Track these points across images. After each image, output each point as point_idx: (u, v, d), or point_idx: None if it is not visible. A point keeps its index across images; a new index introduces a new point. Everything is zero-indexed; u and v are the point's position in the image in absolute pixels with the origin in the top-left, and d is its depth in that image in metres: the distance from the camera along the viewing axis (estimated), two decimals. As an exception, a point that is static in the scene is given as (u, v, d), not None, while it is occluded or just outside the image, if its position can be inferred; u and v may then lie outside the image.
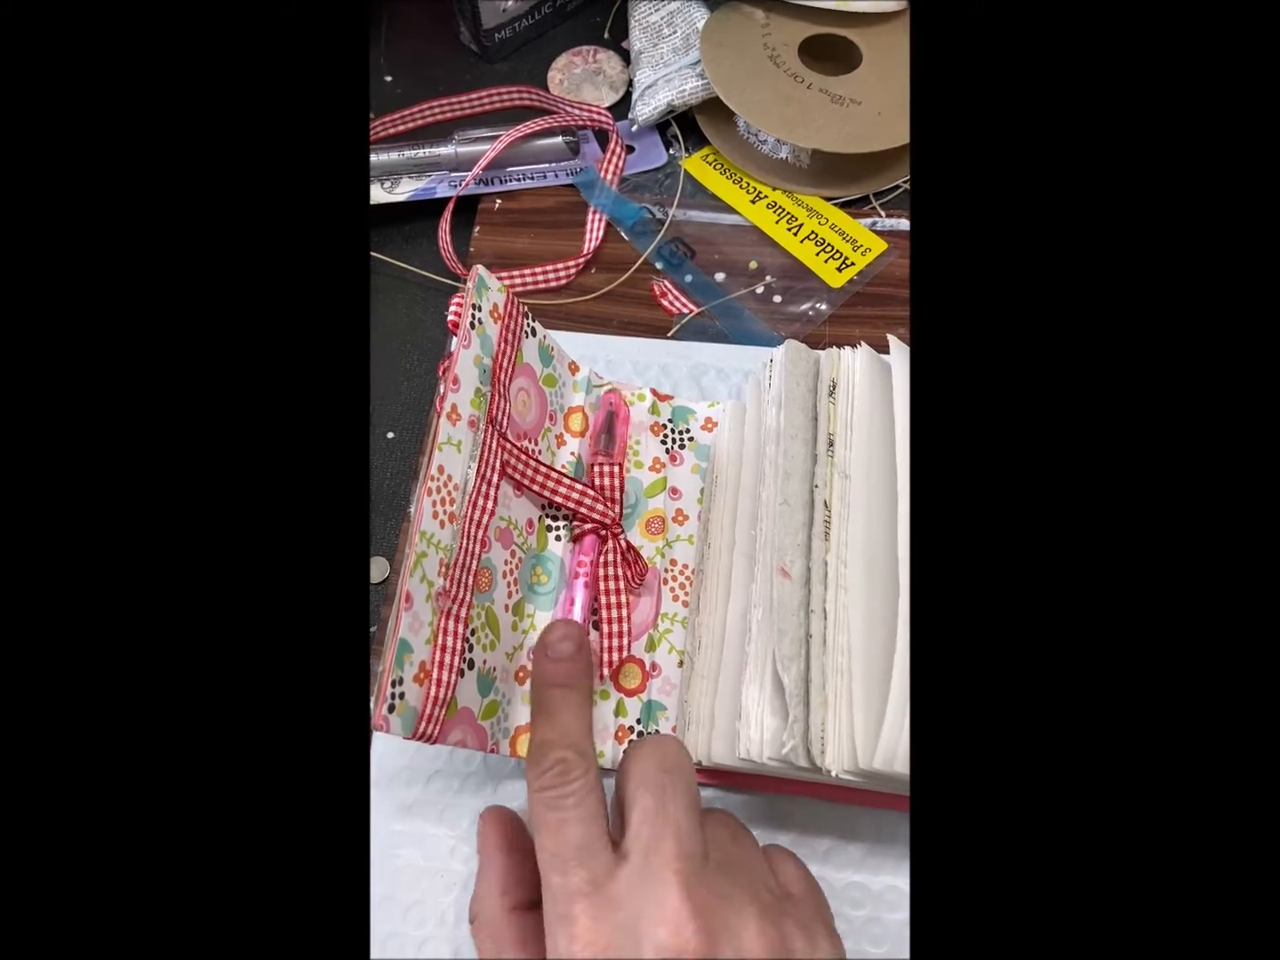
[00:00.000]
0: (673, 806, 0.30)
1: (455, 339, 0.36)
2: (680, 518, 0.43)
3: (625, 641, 0.39)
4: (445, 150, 0.53)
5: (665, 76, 0.55)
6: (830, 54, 0.54)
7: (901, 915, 0.37)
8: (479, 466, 0.36)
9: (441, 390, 0.35)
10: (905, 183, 0.54)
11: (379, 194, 0.53)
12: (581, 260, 0.51)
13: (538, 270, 0.51)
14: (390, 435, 0.47)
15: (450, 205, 0.52)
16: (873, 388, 0.39)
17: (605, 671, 0.39)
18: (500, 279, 0.45)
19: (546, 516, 0.41)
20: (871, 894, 0.37)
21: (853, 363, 0.40)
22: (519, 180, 0.54)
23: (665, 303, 0.50)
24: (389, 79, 0.60)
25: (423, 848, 0.38)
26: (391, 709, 0.30)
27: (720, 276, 0.51)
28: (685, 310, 0.50)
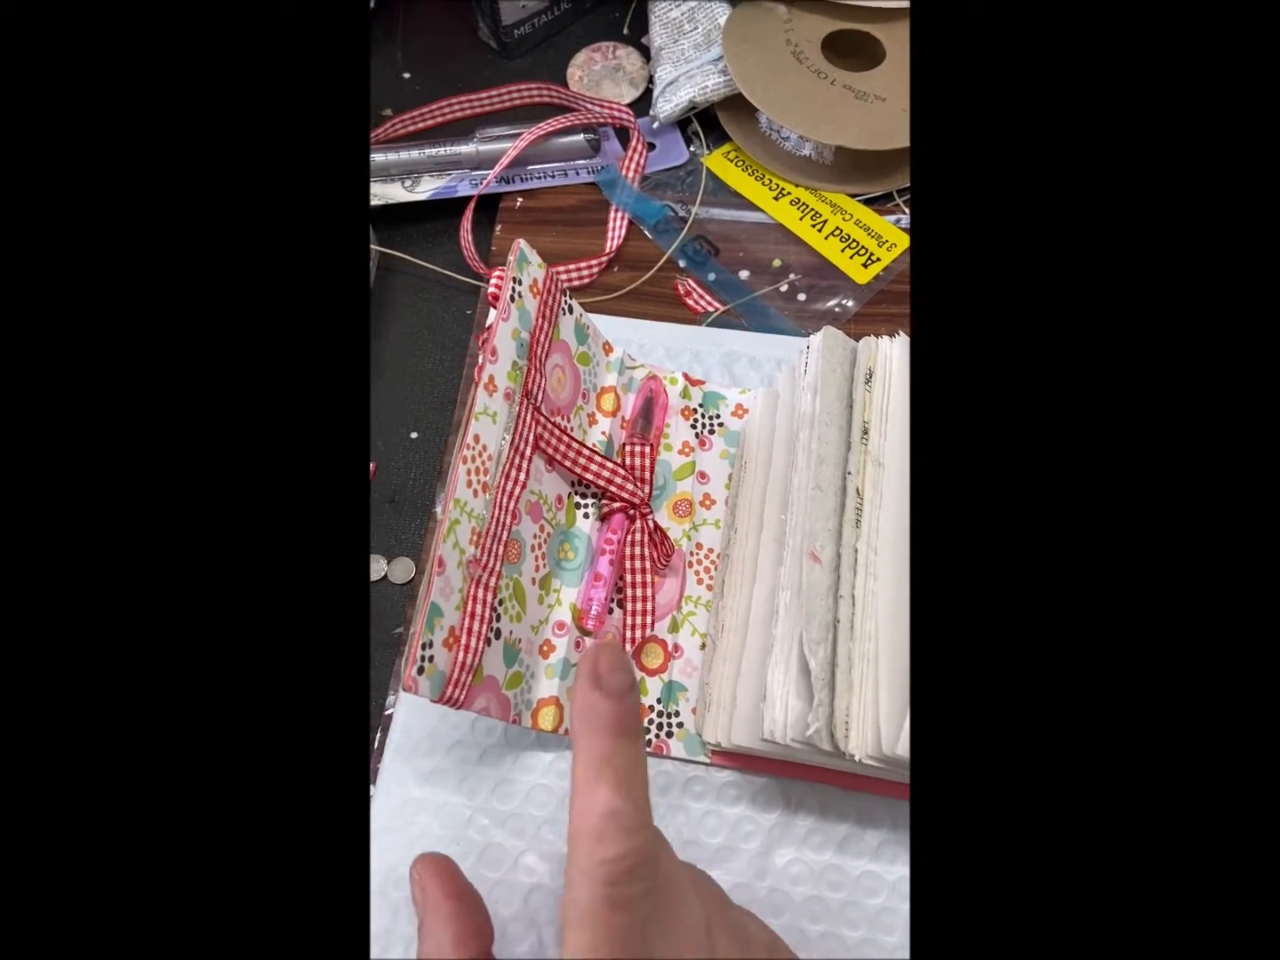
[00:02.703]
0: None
1: (494, 311, 0.38)
2: (707, 502, 0.45)
3: (649, 620, 0.40)
4: (466, 148, 0.55)
5: (687, 73, 0.57)
6: (853, 50, 0.56)
7: (916, 905, 0.38)
8: (513, 439, 0.37)
9: (480, 361, 0.36)
10: (930, 179, 0.56)
11: (399, 193, 0.54)
12: (604, 258, 0.53)
13: (560, 269, 0.52)
14: (414, 435, 0.49)
15: (471, 204, 0.54)
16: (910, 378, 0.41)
17: (628, 648, 0.40)
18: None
19: (576, 494, 0.42)
20: (886, 883, 0.38)
21: (890, 352, 0.41)
22: (540, 179, 0.56)
23: (690, 301, 0.52)
24: (407, 75, 0.61)
25: (440, 816, 0.39)
26: (421, 671, 0.32)
27: (744, 274, 0.53)
28: (710, 309, 0.52)
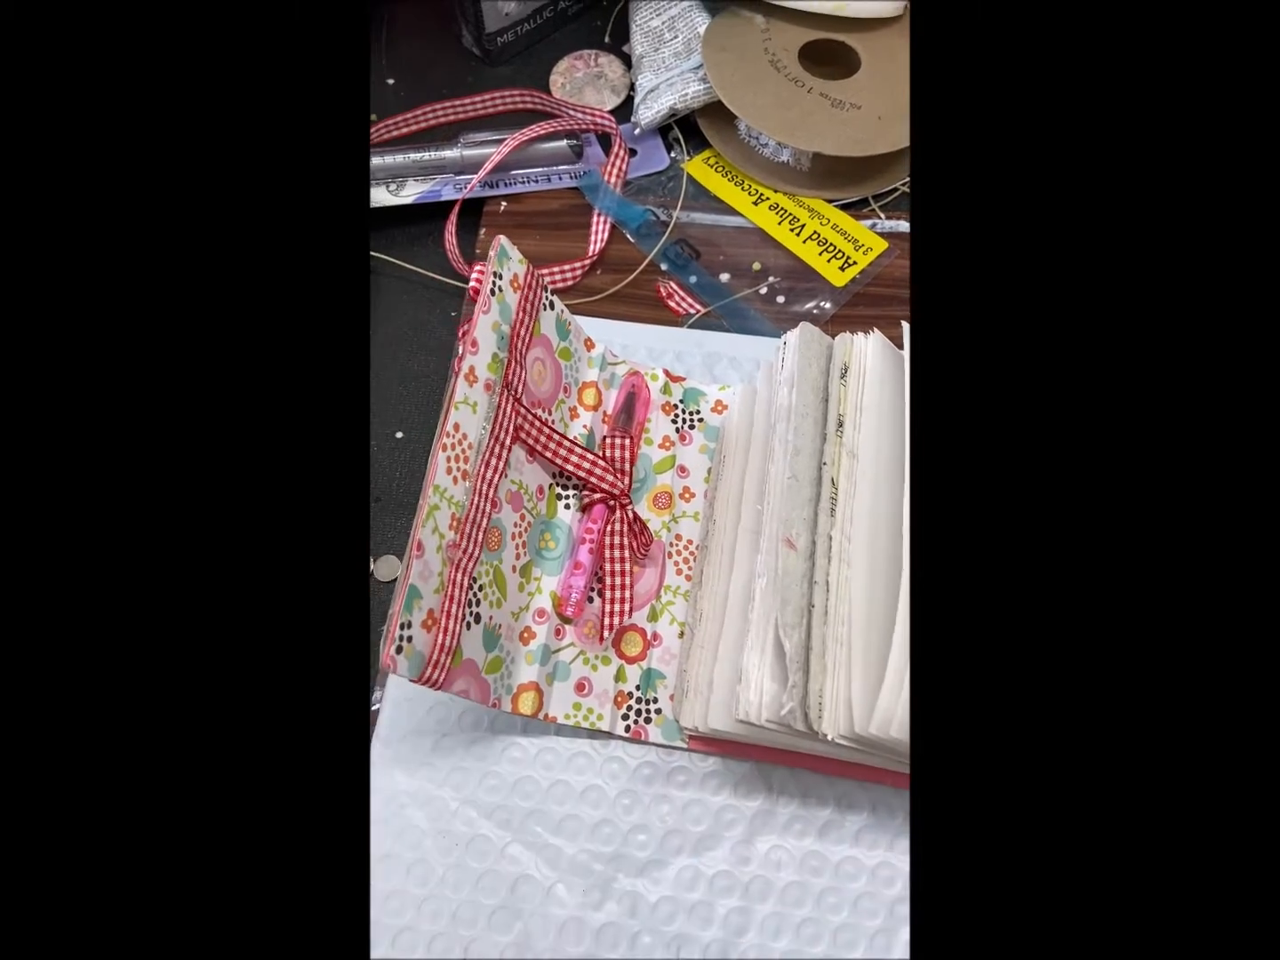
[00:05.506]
0: None
1: (475, 305, 0.39)
2: (687, 495, 0.46)
3: (627, 608, 0.41)
4: (450, 153, 0.57)
5: (667, 80, 0.59)
6: (830, 59, 0.58)
7: (894, 891, 0.39)
8: (493, 428, 0.38)
9: (460, 352, 0.38)
10: (904, 185, 0.57)
11: (384, 196, 0.56)
12: (588, 261, 0.55)
13: (544, 272, 0.54)
14: (399, 435, 0.50)
15: (456, 208, 0.55)
16: (884, 373, 0.42)
17: (605, 635, 0.41)
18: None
19: (557, 485, 0.44)
20: (866, 868, 0.40)
21: (865, 348, 0.43)
22: (524, 183, 0.58)
23: (672, 303, 0.54)
24: (391, 81, 0.63)
25: (427, 809, 0.40)
26: (399, 650, 0.33)
27: (725, 277, 0.54)
28: (692, 310, 0.53)
